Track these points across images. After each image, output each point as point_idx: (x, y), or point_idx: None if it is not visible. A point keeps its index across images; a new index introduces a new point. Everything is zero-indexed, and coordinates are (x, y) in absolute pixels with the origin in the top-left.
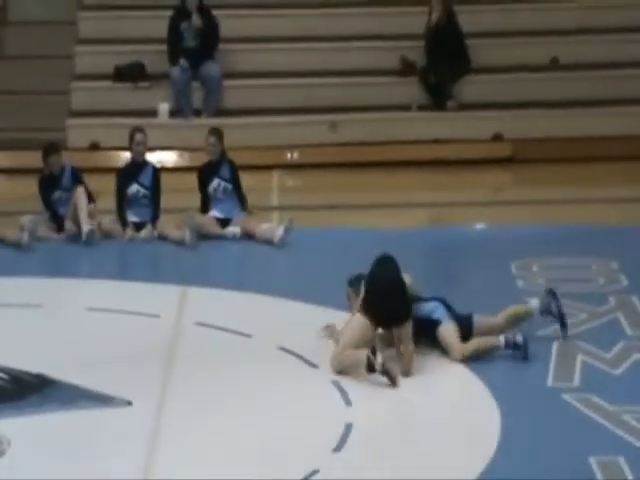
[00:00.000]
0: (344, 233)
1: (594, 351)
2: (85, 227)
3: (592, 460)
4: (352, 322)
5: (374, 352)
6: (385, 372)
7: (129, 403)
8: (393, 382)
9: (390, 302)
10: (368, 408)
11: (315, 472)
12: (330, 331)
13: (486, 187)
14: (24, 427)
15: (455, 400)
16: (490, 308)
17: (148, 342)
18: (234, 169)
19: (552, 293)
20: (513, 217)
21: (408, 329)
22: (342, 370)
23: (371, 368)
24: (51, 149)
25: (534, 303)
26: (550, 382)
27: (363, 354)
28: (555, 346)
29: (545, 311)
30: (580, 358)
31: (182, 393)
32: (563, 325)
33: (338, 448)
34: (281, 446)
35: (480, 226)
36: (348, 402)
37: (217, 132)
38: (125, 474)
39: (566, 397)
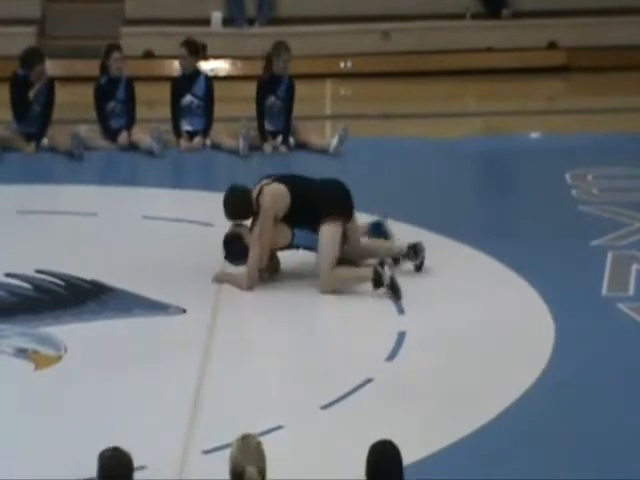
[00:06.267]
0: (398, 142)
1: None
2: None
3: None
4: (324, 236)
5: (382, 265)
6: (393, 286)
7: (184, 311)
8: (398, 296)
9: (344, 192)
10: (421, 316)
11: (369, 381)
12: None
13: (540, 96)
14: (81, 334)
15: (508, 309)
16: (544, 217)
17: (202, 250)
18: (292, 88)
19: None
20: (567, 126)
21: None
22: (335, 289)
23: (378, 283)
24: (114, 47)
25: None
26: (604, 291)
27: (364, 271)
28: (610, 255)
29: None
30: (635, 267)
31: (235, 302)
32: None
33: (391, 357)
34: (334, 355)
35: (535, 135)
36: (401, 310)
37: (289, 48)
38: (179, 381)
39: (621, 306)
